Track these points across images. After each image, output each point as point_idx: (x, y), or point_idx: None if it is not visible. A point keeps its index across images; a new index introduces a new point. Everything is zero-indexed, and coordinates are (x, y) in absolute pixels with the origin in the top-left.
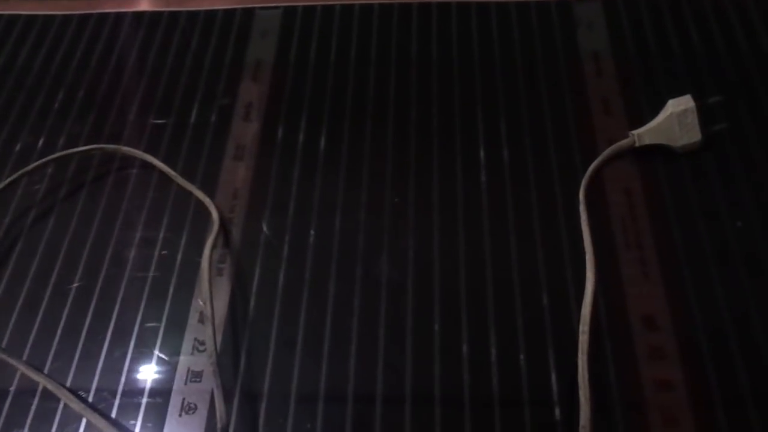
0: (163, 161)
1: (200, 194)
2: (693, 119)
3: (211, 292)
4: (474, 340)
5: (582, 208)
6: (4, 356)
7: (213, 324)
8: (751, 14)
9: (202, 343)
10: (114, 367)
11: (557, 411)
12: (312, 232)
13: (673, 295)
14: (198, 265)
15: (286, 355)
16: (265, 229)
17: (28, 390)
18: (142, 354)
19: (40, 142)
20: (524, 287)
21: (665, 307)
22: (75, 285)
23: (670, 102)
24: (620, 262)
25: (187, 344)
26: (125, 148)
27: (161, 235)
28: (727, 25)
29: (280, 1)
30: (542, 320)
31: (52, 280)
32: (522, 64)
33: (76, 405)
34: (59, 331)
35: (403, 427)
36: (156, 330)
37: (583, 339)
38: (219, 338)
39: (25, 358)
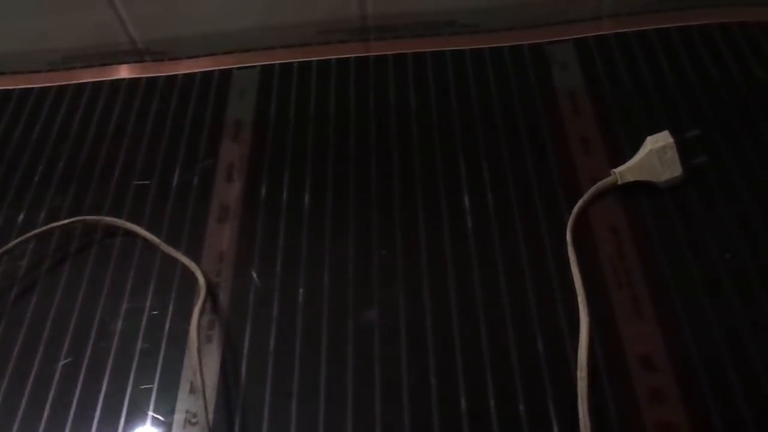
0: (147, 227)
1: (185, 260)
2: (672, 154)
3: (200, 362)
4: (471, 392)
5: (570, 249)
6: None
7: (204, 396)
8: (718, 45)
9: (195, 415)
10: None
11: None
12: (301, 290)
13: (668, 331)
14: (187, 332)
15: (281, 417)
16: (253, 290)
17: None
18: (134, 430)
19: (20, 217)
20: (518, 333)
21: (661, 345)
22: (62, 362)
23: (649, 139)
24: (612, 301)
25: (179, 417)
26: (108, 219)
27: (148, 304)
28: (696, 57)
29: (257, 61)
30: (539, 366)
31: (38, 357)
32: (499, 108)
33: None
34: (47, 410)
35: None
36: (147, 402)
37: (582, 385)
38: (211, 408)
39: None
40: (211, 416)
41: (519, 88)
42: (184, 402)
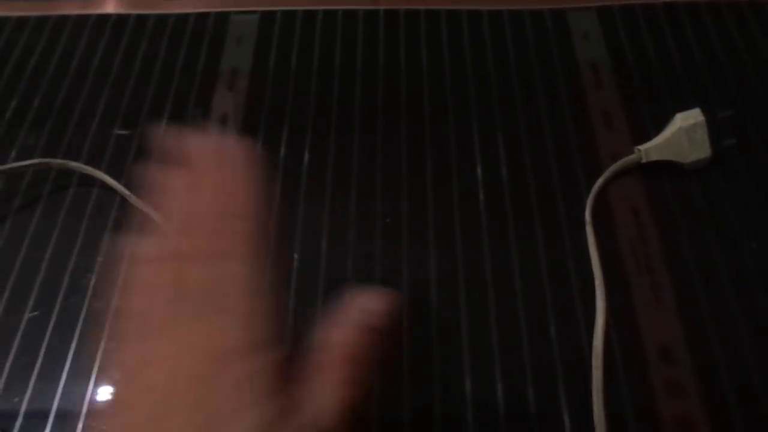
0: (128, 177)
1: (156, 215)
2: (703, 134)
3: None
4: (477, 376)
5: (589, 229)
6: None
7: None
8: (748, 22)
9: None
10: (72, 410)
11: None
12: (296, 256)
13: (688, 322)
14: None
15: None
16: None
17: None
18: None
19: None
20: (530, 317)
21: (681, 336)
22: (28, 315)
23: (679, 116)
24: (631, 288)
25: None
26: (73, 164)
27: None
28: (725, 34)
29: (257, 5)
30: (551, 353)
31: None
32: (517, 76)
33: None
34: (6, 368)
35: None
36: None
37: (597, 375)
38: None
39: None
40: None
41: (538, 55)
42: None
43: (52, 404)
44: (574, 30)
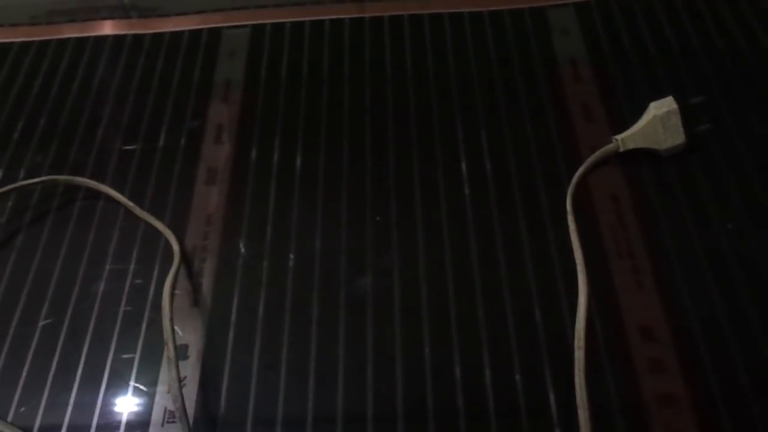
0: (132, 189)
1: (160, 225)
2: (676, 121)
3: (173, 330)
4: (466, 362)
5: (570, 217)
6: None
7: (176, 363)
8: (723, 12)
9: (183, 379)
10: (86, 410)
11: None
12: (292, 255)
13: (668, 303)
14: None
15: (269, 383)
16: (242, 253)
17: None
18: (116, 392)
19: None
20: (515, 303)
21: (661, 316)
22: (42, 323)
23: (653, 104)
24: (612, 271)
25: (162, 383)
26: (78, 179)
27: (132, 267)
28: (701, 25)
29: (248, 20)
30: (536, 336)
31: (17, 316)
32: (498, 73)
33: None
34: (24, 374)
35: None
36: (130, 363)
37: (579, 355)
38: (198, 372)
39: None
40: (197, 381)
41: (519, 52)
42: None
43: (67, 405)
44: (553, 26)
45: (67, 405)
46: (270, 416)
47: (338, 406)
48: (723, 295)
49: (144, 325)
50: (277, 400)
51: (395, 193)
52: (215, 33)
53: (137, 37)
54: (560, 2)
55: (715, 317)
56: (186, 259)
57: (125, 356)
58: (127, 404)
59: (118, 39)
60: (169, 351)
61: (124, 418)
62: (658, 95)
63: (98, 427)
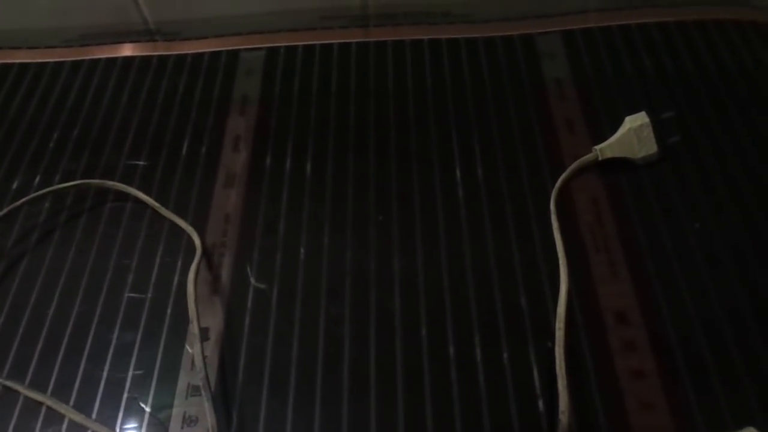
0: (157, 191)
1: (182, 223)
2: (649, 133)
3: (197, 310)
4: (460, 342)
5: (553, 217)
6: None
7: (201, 338)
8: (694, 39)
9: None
10: (116, 387)
11: (540, 403)
12: (302, 249)
13: (641, 291)
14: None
15: (282, 360)
16: (257, 248)
17: (31, 412)
18: (144, 371)
19: (37, 180)
20: (504, 292)
21: (634, 303)
22: (77, 310)
23: (628, 119)
24: (591, 264)
25: (186, 362)
26: (108, 182)
27: (157, 261)
28: (674, 50)
29: (263, 43)
30: (522, 321)
31: (54, 305)
32: (491, 92)
33: (78, 417)
34: (61, 353)
35: (396, 422)
36: (157, 344)
37: (560, 335)
38: (217, 352)
39: (27, 382)
40: (216, 359)
41: (510, 74)
42: (189, 358)
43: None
44: (541, 51)
45: (100, 381)
46: (283, 390)
47: (344, 375)
48: (690, 287)
49: (169, 311)
50: (289, 375)
51: (396, 195)
52: (233, 54)
53: (162, 58)
54: (548, 30)
55: (683, 304)
56: (207, 253)
57: (151, 339)
58: (153, 381)
59: (144, 60)
60: (194, 328)
61: (152, 391)
62: (633, 110)
63: (127, 400)
